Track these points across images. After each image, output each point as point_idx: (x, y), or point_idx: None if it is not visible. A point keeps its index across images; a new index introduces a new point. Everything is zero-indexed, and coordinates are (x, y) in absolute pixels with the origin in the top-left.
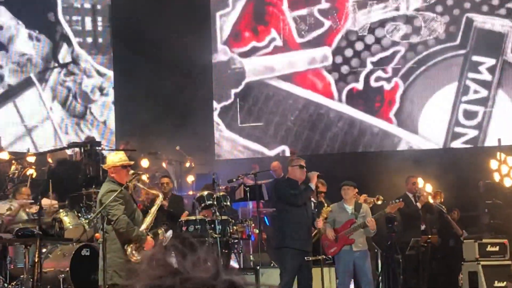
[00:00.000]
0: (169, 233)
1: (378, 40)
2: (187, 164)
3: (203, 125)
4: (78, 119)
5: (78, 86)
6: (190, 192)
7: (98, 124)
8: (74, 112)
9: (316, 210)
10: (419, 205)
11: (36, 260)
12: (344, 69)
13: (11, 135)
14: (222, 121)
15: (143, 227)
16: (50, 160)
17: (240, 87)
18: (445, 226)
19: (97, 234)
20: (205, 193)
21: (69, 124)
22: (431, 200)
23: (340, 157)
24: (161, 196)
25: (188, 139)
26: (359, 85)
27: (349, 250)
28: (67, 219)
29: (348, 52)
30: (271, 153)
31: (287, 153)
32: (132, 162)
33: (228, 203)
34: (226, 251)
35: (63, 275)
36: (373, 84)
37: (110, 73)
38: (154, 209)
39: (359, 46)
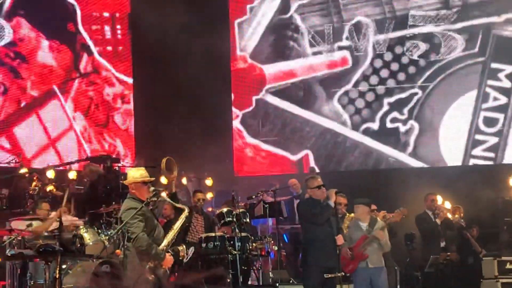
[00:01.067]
0: (191, 250)
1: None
2: (207, 182)
3: (224, 136)
4: (101, 128)
5: (100, 95)
6: (210, 209)
7: (121, 133)
8: (97, 121)
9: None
10: (438, 221)
11: (57, 276)
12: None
13: (36, 147)
14: (245, 128)
15: (164, 243)
16: (72, 176)
17: (261, 94)
18: (464, 243)
19: (117, 250)
20: (225, 210)
21: (92, 134)
22: (450, 216)
23: (360, 174)
24: (186, 210)
25: (208, 154)
26: (375, 125)
27: (365, 267)
28: (87, 236)
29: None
30: (295, 157)
31: (311, 157)
32: (153, 179)
33: (248, 220)
34: (245, 268)
35: None
36: (388, 125)
37: (131, 81)
38: (177, 225)
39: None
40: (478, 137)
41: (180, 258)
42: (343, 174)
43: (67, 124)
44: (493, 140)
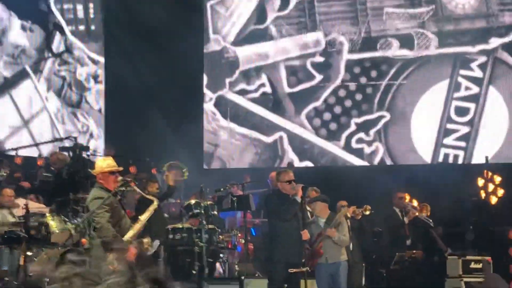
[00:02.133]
0: (155, 242)
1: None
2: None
3: (194, 123)
4: (74, 108)
5: (73, 75)
6: (178, 200)
7: (94, 113)
8: (70, 101)
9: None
10: (406, 220)
11: (21, 263)
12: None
13: (8, 128)
14: (218, 110)
15: (130, 234)
16: (40, 163)
17: (235, 76)
18: (430, 241)
19: (83, 239)
20: (193, 201)
21: (65, 114)
22: (417, 214)
23: (330, 171)
24: (155, 202)
25: (179, 146)
26: (340, 143)
27: (324, 262)
28: (54, 223)
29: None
30: (269, 139)
31: (285, 140)
32: (120, 168)
33: (216, 213)
34: (212, 260)
35: (47, 279)
36: (354, 145)
37: (103, 60)
38: (145, 216)
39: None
40: (450, 126)
41: (145, 250)
42: (313, 169)
43: (40, 105)
44: (465, 129)
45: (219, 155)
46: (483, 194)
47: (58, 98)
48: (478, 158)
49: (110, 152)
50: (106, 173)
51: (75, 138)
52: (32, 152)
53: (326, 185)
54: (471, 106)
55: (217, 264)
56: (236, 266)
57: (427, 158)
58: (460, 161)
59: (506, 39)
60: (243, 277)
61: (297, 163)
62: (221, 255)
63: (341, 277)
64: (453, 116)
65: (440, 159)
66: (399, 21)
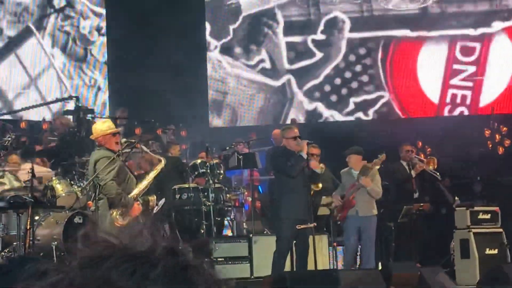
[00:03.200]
0: (161, 201)
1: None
2: (182, 133)
3: (198, 82)
4: (80, 62)
5: (76, 29)
6: (184, 160)
7: (100, 65)
8: (75, 56)
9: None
10: (413, 173)
11: (28, 228)
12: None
13: (17, 87)
14: (224, 58)
15: (135, 192)
16: (45, 127)
17: (238, 22)
18: (438, 194)
19: (89, 202)
20: (199, 161)
21: (72, 69)
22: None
23: (336, 125)
24: (163, 162)
25: (183, 104)
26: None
27: (354, 215)
28: (60, 187)
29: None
30: (277, 83)
31: (293, 83)
32: (119, 129)
33: (222, 171)
34: (219, 219)
35: (55, 242)
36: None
37: (104, 12)
38: (152, 175)
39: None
40: (456, 66)
41: (150, 208)
42: (320, 125)
43: (47, 62)
44: (471, 69)
45: (229, 102)
46: (490, 145)
47: (63, 54)
48: (486, 98)
49: (123, 113)
50: (107, 135)
51: (77, 98)
52: (37, 115)
53: (332, 141)
54: (477, 45)
55: (226, 222)
56: (244, 224)
57: (435, 99)
58: (468, 101)
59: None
60: (251, 235)
61: (307, 105)
62: (228, 213)
63: (370, 232)
64: (459, 56)
65: (448, 99)
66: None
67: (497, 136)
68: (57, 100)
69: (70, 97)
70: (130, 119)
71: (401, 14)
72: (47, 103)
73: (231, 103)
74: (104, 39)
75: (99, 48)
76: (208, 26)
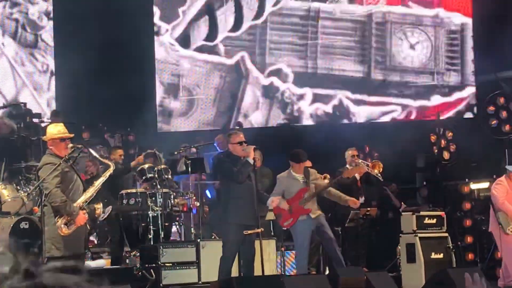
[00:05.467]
0: (108, 209)
1: None
2: (130, 138)
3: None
4: (31, 48)
5: (25, 16)
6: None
7: (51, 50)
8: (26, 43)
9: None
10: (357, 176)
11: None
12: None
13: None
14: (177, 41)
15: (81, 199)
16: None
17: (187, 4)
18: (384, 198)
19: (35, 208)
20: (146, 166)
21: (24, 56)
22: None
23: (280, 130)
24: (112, 167)
25: (128, 106)
26: None
27: (306, 219)
28: (6, 192)
29: None
30: (231, 61)
31: (247, 61)
32: (71, 135)
33: (170, 176)
34: (167, 224)
35: (0, 248)
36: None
37: None
38: (99, 181)
39: None
40: None
41: (96, 215)
42: (263, 130)
43: None
44: None
45: (185, 84)
46: (435, 150)
47: (14, 41)
48: None
49: (58, 119)
50: (56, 140)
51: (25, 104)
52: None
53: (282, 144)
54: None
55: (173, 228)
56: (192, 229)
57: None
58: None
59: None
60: (199, 240)
61: (263, 80)
62: (176, 218)
63: (327, 227)
64: None
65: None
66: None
67: (442, 141)
68: (3, 106)
69: (16, 103)
70: (78, 124)
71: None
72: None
73: (187, 85)
74: (53, 23)
75: (50, 33)
76: (156, 10)
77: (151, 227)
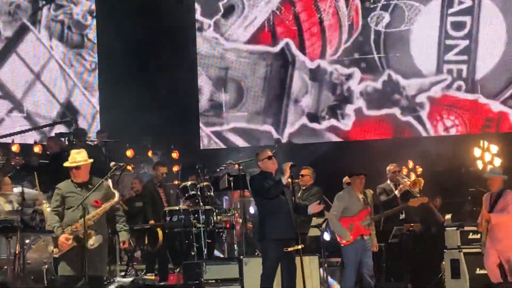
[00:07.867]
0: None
1: None
2: (173, 155)
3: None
4: (78, 48)
5: (69, 17)
6: (175, 182)
7: (98, 48)
8: (73, 43)
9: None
10: (397, 193)
11: (17, 252)
12: None
13: (24, 85)
14: (219, 34)
15: (72, 225)
16: (36, 149)
17: None
18: (428, 213)
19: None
20: (189, 183)
21: (72, 57)
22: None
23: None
24: (116, 197)
25: (174, 127)
26: None
27: (360, 239)
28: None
29: None
30: (276, 49)
31: (292, 47)
32: (79, 164)
33: (212, 193)
34: (210, 241)
35: (46, 266)
36: None
37: None
38: (102, 208)
39: None
40: (449, 42)
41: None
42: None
43: (47, 55)
44: (464, 43)
45: (232, 77)
46: (480, 164)
47: (61, 43)
48: (481, 70)
49: (103, 135)
50: (70, 168)
51: (75, 120)
52: (29, 138)
53: (325, 159)
54: (467, 19)
55: (216, 245)
56: (235, 245)
57: (430, 74)
58: (464, 75)
59: None
60: (242, 257)
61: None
62: (219, 235)
63: (370, 249)
64: (450, 31)
65: (444, 75)
66: None
67: (487, 155)
68: (54, 123)
69: (66, 121)
70: (121, 142)
71: None
72: (44, 126)
73: (235, 77)
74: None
75: (95, 31)
76: (197, 6)
77: (194, 244)
